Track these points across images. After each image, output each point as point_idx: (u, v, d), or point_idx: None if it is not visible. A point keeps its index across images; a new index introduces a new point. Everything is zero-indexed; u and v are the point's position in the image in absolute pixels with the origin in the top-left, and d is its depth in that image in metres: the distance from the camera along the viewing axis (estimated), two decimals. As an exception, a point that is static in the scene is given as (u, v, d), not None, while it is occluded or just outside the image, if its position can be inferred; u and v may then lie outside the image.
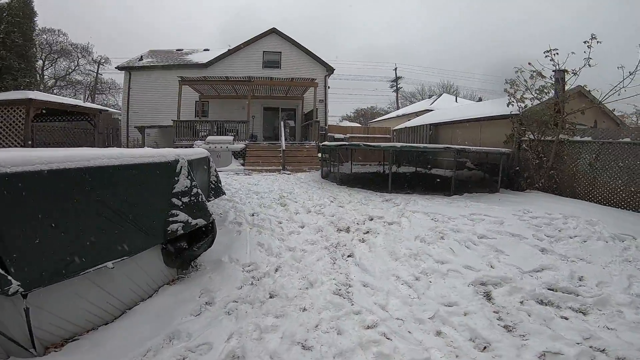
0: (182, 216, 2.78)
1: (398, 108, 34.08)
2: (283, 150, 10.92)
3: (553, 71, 7.46)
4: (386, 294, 2.95)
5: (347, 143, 7.98)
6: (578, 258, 3.59)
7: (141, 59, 17.15)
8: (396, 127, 14.47)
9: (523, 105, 7.70)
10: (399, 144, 6.67)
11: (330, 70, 16.59)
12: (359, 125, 22.04)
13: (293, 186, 7.17)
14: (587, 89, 7.80)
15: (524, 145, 7.70)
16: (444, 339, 2.38)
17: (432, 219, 4.77)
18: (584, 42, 6.78)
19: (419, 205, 5.52)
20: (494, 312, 2.69)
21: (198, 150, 3.81)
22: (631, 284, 3.06)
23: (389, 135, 14.90)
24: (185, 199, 2.81)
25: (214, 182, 4.36)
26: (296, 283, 3.19)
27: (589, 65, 6.83)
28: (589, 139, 6.45)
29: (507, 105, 7.93)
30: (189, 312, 2.67)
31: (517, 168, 7.72)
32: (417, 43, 72.01)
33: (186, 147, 9.91)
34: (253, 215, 4.96)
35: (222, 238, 4.07)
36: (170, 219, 2.66)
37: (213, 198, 4.34)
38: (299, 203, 5.63)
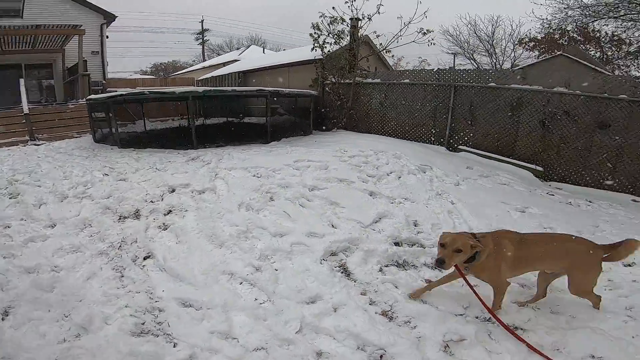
0: None
1: (204, 60, 30.81)
2: (26, 114, 7.31)
3: (350, 18, 7.58)
4: (224, 310, 1.89)
5: (124, 93, 5.68)
6: (403, 198, 3.53)
7: None
8: (201, 77, 12.43)
9: (325, 50, 7.64)
10: (201, 89, 5.28)
11: (109, 17, 12.57)
12: (154, 77, 18.22)
13: (39, 162, 4.51)
14: (376, 35, 8.37)
15: (327, 88, 7.80)
16: (331, 360, 1.58)
17: (254, 176, 3.86)
18: None
19: (235, 159, 4.46)
20: (361, 294, 2.08)
21: None
22: (454, 222, 3.12)
23: (193, 87, 12.89)
24: None
25: None
26: (52, 333, 1.67)
27: (379, 13, 7.16)
28: (379, 80, 6.98)
29: (312, 50, 7.73)
30: None
31: (323, 110, 7.82)
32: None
33: None
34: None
35: None
36: None
37: None
38: (45, 187, 3.42)
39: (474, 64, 24.31)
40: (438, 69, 6.35)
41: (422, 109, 6.35)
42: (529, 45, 13.85)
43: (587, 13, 10.31)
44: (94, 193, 3.25)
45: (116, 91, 11.13)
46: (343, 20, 7.46)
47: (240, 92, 6.30)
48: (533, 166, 5.25)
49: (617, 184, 4.82)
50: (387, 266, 2.37)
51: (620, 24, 10.51)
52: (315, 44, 7.60)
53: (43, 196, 3.18)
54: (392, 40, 7.52)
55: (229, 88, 6.19)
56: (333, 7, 7.33)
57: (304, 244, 2.54)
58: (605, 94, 4.79)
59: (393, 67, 12.60)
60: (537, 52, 14.58)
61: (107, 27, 12.95)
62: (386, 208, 3.26)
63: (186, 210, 3.00)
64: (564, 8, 10.20)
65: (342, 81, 7.47)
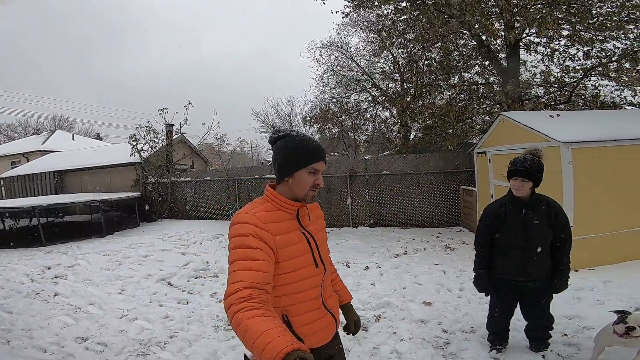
0: None
1: None
2: None
3: (165, 124, 11.04)
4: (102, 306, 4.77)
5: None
6: (202, 252, 6.97)
7: None
8: (4, 175, 12.68)
9: (145, 154, 10.68)
10: (44, 203, 7.49)
11: None
12: None
13: None
14: (186, 137, 12.17)
15: (149, 187, 10.68)
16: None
17: (104, 255, 6.54)
18: (184, 106, 10.95)
19: (85, 249, 6.95)
20: (177, 289, 5.34)
21: None
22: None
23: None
24: None
25: None
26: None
27: (186, 123, 11.06)
28: (189, 179, 10.59)
29: (131, 155, 10.65)
30: None
31: (147, 206, 10.61)
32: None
33: None
34: None
35: None
36: None
37: None
38: None
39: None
40: (226, 168, 10.55)
41: (220, 197, 10.22)
42: (310, 122, 16.67)
43: (337, 93, 15.44)
44: None
45: None
46: (155, 132, 10.92)
47: (80, 202, 8.67)
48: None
49: (328, 222, 9.75)
50: (190, 279, 5.69)
51: (359, 96, 15.48)
52: (134, 150, 10.63)
53: None
54: (200, 142, 11.63)
55: (69, 201, 8.42)
56: (148, 121, 10.78)
57: (146, 278, 5.58)
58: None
59: (209, 158, 16.52)
60: (316, 127, 17.47)
61: None
62: (191, 258, 6.62)
63: (66, 275, 5.58)
64: (320, 93, 16.16)
65: (161, 180, 10.62)
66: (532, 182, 2.53)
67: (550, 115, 6.19)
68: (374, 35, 13.03)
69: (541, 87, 9.57)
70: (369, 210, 9.07)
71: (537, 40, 9.57)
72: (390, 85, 13.19)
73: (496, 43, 9.66)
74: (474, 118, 9.84)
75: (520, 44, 9.30)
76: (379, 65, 14.06)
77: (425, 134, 10.31)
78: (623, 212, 5.20)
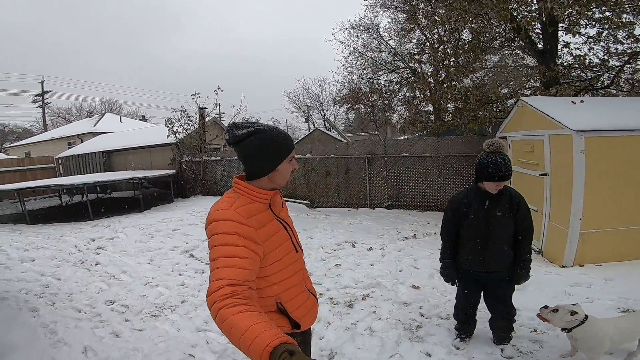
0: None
1: (46, 128, 30.41)
2: None
3: (197, 108, 11.78)
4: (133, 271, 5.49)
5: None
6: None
7: None
8: (61, 155, 14.36)
9: (179, 136, 11.50)
10: (92, 181, 8.51)
11: None
12: (8, 156, 18.17)
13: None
14: (220, 119, 12.82)
15: (183, 166, 11.54)
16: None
17: (139, 229, 7.36)
18: (214, 91, 11.63)
19: (125, 223, 7.85)
20: (196, 260, 5.99)
21: None
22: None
23: (53, 165, 14.41)
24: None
25: None
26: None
27: (216, 106, 11.73)
28: (219, 158, 11.27)
29: (167, 137, 11.50)
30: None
31: (182, 182, 11.51)
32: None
33: None
34: None
35: None
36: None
37: None
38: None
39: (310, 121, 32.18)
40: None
41: (246, 175, 10.85)
42: (339, 103, 16.99)
43: (365, 74, 15.06)
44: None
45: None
46: (189, 115, 11.67)
47: (121, 180, 9.69)
48: (306, 202, 10.11)
49: (340, 203, 9.86)
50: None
51: (388, 77, 14.86)
52: (170, 132, 11.47)
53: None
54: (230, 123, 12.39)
55: (112, 179, 9.42)
56: (182, 106, 11.55)
57: (172, 250, 6.28)
58: (326, 156, 10.07)
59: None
60: (346, 107, 18.12)
61: None
62: (214, 234, 7.28)
63: (107, 246, 6.42)
64: (348, 74, 15.97)
65: (194, 159, 11.44)
66: None
67: (572, 102, 5.92)
68: (403, 15, 12.68)
69: (577, 71, 8.96)
70: (387, 191, 9.21)
71: (580, 21, 8.88)
72: (416, 66, 12.88)
73: (535, 25, 9.10)
74: (500, 102, 9.46)
75: (561, 25, 8.71)
76: (409, 46, 13.71)
77: (454, 117, 10.08)
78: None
